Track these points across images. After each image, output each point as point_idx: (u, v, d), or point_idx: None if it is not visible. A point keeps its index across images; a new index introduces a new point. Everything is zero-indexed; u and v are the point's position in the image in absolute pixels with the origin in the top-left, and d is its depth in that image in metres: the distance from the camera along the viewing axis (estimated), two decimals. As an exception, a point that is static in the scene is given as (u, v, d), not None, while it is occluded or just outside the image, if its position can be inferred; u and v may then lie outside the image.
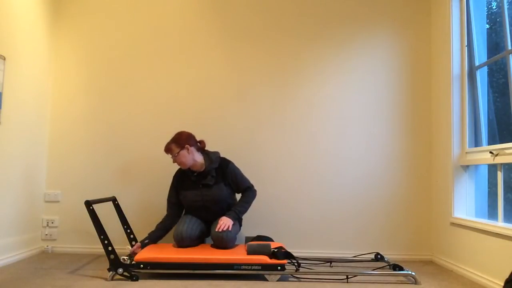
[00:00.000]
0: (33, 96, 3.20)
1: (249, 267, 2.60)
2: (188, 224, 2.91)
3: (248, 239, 3.01)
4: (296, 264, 2.75)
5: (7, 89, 2.84)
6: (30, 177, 3.18)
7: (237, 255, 2.66)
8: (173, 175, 3.10)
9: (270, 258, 2.63)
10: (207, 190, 2.95)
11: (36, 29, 3.20)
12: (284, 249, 2.72)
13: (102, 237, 2.55)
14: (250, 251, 2.66)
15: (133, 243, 3.06)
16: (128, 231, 3.08)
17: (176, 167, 3.08)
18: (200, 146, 3.02)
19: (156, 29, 3.51)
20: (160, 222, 3.01)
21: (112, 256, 2.54)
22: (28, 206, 3.16)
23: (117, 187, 3.41)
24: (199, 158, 2.97)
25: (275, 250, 2.67)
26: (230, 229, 2.80)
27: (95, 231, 3.35)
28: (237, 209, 2.93)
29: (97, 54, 3.49)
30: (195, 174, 2.99)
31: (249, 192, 3.02)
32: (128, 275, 2.53)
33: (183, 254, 2.66)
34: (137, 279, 2.53)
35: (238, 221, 2.96)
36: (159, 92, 3.48)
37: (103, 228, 2.59)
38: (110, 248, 2.54)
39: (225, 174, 2.98)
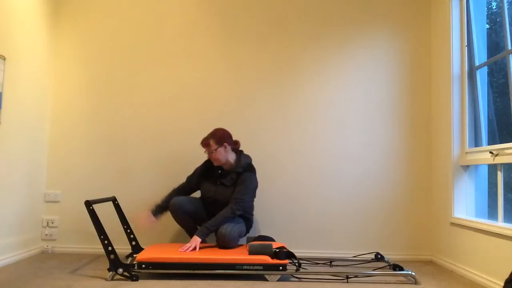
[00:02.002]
0: (33, 96, 3.20)
1: (251, 267, 2.59)
2: (189, 198, 3.01)
3: (249, 239, 3.00)
4: (296, 264, 2.75)
5: (7, 89, 2.84)
6: (30, 177, 3.18)
7: (239, 255, 2.66)
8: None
9: (272, 258, 2.63)
10: (222, 189, 3.00)
11: (36, 29, 3.20)
12: (285, 249, 2.72)
13: (102, 237, 2.55)
14: (252, 251, 2.66)
15: (133, 243, 3.06)
16: (128, 231, 3.08)
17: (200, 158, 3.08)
18: (235, 147, 3.08)
19: (156, 29, 3.51)
20: (176, 190, 3.09)
21: (112, 256, 2.54)
22: (28, 206, 3.16)
23: (117, 187, 3.40)
24: (232, 158, 3.03)
25: (277, 250, 2.67)
26: (196, 249, 2.74)
27: (95, 231, 3.36)
28: (209, 224, 2.84)
29: (97, 54, 3.49)
30: (221, 172, 3.04)
31: (233, 207, 2.89)
32: (128, 275, 2.53)
33: (185, 254, 2.66)
34: (137, 279, 2.52)
35: (208, 234, 2.86)
36: (159, 92, 3.48)
37: (103, 228, 2.59)
38: (110, 248, 2.54)
39: (239, 178, 2.99)
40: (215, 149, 2.94)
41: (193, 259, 2.61)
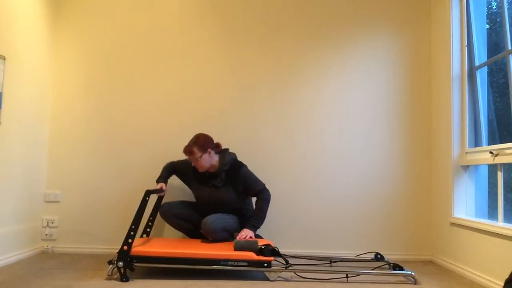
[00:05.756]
0: (33, 96, 3.20)
1: (235, 263, 2.58)
2: (177, 202, 3.07)
3: (237, 235, 2.99)
4: (285, 262, 2.72)
5: (7, 89, 2.84)
6: (30, 177, 3.18)
7: (224, 250, 2.64)
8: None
9: (257, 255, 2.61)
10: (215, 191, 2.99)
11: (36, 29, 3.20)
12: (271, 246, 2.70)
13: (133, 226, 2.57)
14: (237, 247, 2.65)
15: (144, 236, 3.08)
16: (150, 224, 3.10)
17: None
18: (217, 150, 3.07)
19: (155, 30, 3.51)
20: (162, 173, 3.13)
21: (125, 248, 2.52)
22: (28, 206, 3.16)
23: (117, 186, 3.40)
24: (215, 160, 3.02)
25: (262, 247, 2.65)
26: (252, 238, 2.78)
27: (94, 231, 3.36)
28: (253, 222, 2.90)
29: (97, 54, 3.49)
30: (209, 174, 3.03)
31: (261, 197, 2.97)
32: (122, 272, 2.49)
33: (170, 248, 2.64)
34: (127, 280, 2.49)
35: (256, 228, 2.94)
36: (159, 92, 3.47)
37: (140, 220, 2.61)
38: (130, 240, 2.53)
39: (235, 179, 2.98)
40: (200, 157, 2.92)
41: (177, 253, 2.58)
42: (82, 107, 3.45)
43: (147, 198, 2.70)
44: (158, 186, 3.01)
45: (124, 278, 2.49)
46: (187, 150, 2.95)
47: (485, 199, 3.05)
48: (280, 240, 3.35)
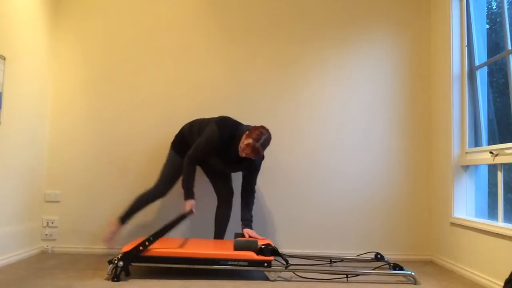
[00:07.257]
0: (33, 96, 3.20)
1: (236, 263, 2.58)
2: None
3: (237, 235, 2.98)
4: (285, 262, 2.72)
5: (7, 89, 2.84)
6: (30, 177, 3.18)
7: (224, 250, 2.64)
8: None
9: (257, 254, 2.61)
10: (231, 168, 3.05)
11: (36, 30, 3.20)
12: (271, 246, 2.70)
13: (151, 239, 2.57)
14: (237, 247, 2.64)
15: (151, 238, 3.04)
16: None
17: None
18: None
19: (154, 29, 3.51)
20: (192, 179, 2.85)
21: (133, 251, 2.51)
22: (28, 206, 3.16)
23: (117, 186, 3.40)
24: None
25: (262, 246, 2.64)
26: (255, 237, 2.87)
27: (94, 231, 3.36)
28: (249, 221, 2.98)
29: (97, 55, 3.49)
30: (237, 155, 2.88)
31: (253, 197, 3.05)
32: (117, 272, 2.48)
33: (170, 248, 2.63)
34: (117, 281, 2.47)
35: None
36: (158, 92, 3.47)
37: (161, 237, 2.63)
38: (141, 248, 2.52)
39: (252, 165, 3.00)
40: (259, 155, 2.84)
41: (177, 253, 2.58)
42: (82, 107, 3.45)
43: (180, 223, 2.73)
44: (188, 207, 2.76)
45: (115, 278, 2.48)
46: (256, 151, 2.75)
47: (485, 199, 3.05)
48: (280, 240, 3.35)
